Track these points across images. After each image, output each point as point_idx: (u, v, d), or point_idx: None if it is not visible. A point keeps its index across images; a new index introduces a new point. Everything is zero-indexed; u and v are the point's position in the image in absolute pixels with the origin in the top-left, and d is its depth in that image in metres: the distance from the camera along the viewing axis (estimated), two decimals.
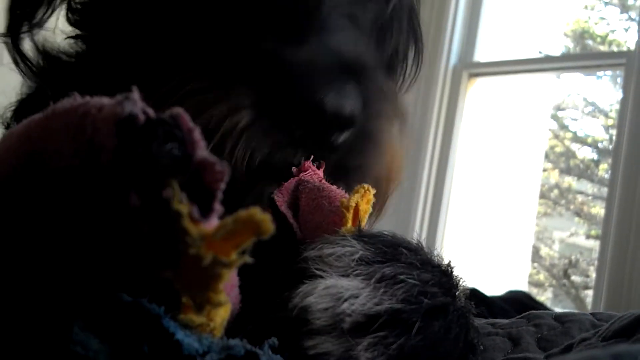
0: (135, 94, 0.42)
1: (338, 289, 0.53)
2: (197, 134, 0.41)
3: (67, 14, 0.87)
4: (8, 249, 0.44)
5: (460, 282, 0.61)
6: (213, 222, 0.40)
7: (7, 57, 0.89)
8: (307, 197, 0.65)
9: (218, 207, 0.40)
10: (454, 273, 0.61)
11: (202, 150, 0.41)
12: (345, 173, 0.71)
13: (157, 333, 0.42)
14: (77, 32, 0.87)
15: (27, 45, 0.89)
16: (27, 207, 0.45)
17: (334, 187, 0.66)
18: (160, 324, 0.42)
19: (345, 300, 0.52)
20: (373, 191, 0.64)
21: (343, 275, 0.55)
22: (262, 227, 0.38)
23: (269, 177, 0.66)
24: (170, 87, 0.65)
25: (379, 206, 0.78)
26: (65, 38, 0.88)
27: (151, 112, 0.42)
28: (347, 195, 0.65)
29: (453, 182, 3.46)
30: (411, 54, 1.01)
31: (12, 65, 0.89)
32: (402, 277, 0.56)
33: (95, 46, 0.83)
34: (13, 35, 0.88)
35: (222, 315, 0.46)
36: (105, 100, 0.44)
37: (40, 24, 0.88)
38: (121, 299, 0.42)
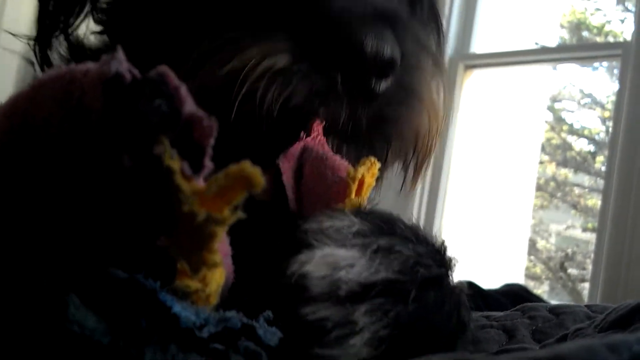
0: (120, 54, 0.42)
1: (335, 258, 0.53)
2: (184, 90, 0.41)
3: (93, 13, 0.88)
4: (2, 224, 0.44)
5: (453, 261, 0.61)
6: (204, 179, 0.40)
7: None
8: (311, 166, 0.64)
9: (209, 163, 0.40)
10: (447, 252, 0.61)
11: (190, 106, 0.40)
12: (384, 124, 0.70)
13: (154, 308, 0.42)
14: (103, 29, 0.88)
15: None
16: (20, 180, 0.44)
17: (337, 157, 0.65)
18: (156, 299, 0.42)
19: (342, 269, 0.52)
20: (378, 165, 0.64)
21: (340, 246, 0.54)
22: (253, 181, 0.38)
23: (301, 125, 0.66)
24: (208, 42, 0.65)
25: (419, 163, 0.79)
26: (92, 33, 0.89)
27: (137, 72, 0.42)
28: (349, 166, 0.64)
29: (449, 174, 3.46)
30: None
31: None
32: (397, 248, 0.56)
33: (121, 34, 0.83)
34: (42, 45, 0.90)
35: (217, 280, 0.46)
36: (90, 65, 0.44)
37: (70, 27, 0.89)
38: (116, 275, 0.42)
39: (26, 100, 0.46)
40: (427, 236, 0.61)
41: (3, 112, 0.47)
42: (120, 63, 0.42)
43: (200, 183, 0.39)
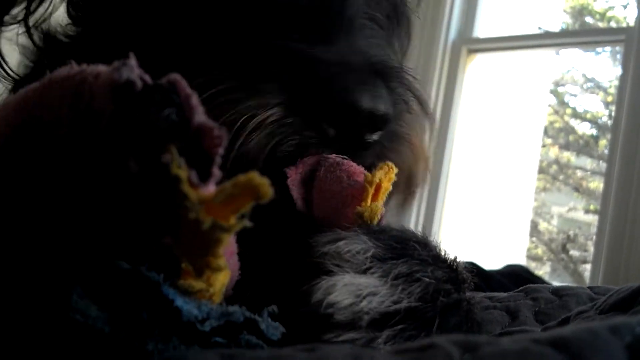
0: (132, 61, 0.42)
1: (357, 287, 0.54)
2: (195, 99, 0.41)
3: (68, 8, 0.86)
4: (7, 217, 0.44)
5: (467, 278, 0.62)
6: (212, 187, 0.40)
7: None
8: (326, 170, 0.65)
9: (217, 172, 0.40)
10: (459, 268, 0.62)
11: (200, 115, 0.40)
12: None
13: (156, 300, 0.42)
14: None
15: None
16: (25, 176, 0.45)
17: (354, 163, 0.66)
18: (159, 291, 0.42)
19: (365, 297, 0.53)
20: (395, 170, 0.64)
21: (359, 272, 0.55)
22: (260, 191, 0.38)
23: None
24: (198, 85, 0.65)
25: (404, 202, 0.79)
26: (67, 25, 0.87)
27: (148, 78, 0.42)
28: (366, 171, 0.65)
29: (452, 157, 3.46)
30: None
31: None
32: (417, 275, 0.57)
33: (97, 33, 0.81)
34: None
35: (221, 280, 0.46)
36: (101, 68, 0.44)
37: (31, 15, 0.86)
38: (120, 266, 0.42)
39: (36, 97, 0.46)
40: (440, 253, 0.62)
41: (12, 105, 0.47)
42: (132, 70, 0.42)
43: (209, 190, 0.39)
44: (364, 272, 0.55)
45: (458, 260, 0.62)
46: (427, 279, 0.57)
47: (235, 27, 0.69)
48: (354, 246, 0.57)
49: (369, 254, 0.57)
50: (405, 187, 0.76)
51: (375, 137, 0.68)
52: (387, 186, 0.64)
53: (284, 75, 0.65)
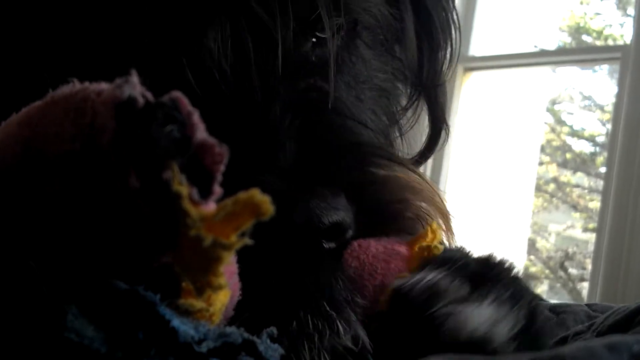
0: (134, 78, 0.42)
1: (484, 316, 0.56)
2: (197, 117, 0.41)
3: None
4: (6, 234, 0.44)
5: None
6: (213, 205, 0.40)
7: None
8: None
9: (218, 189, 0.40)
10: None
11: (202, 132, 0.40)
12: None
13: (152, 320, 0.42)
14: None
15: None
16: (27, 193, 0.45)
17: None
18: (155, 311, 0.42)
19: (497, 323, 0.56)
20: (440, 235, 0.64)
21: (468, 302, 0.57)
22: (261, 208, 0.38)
23: None
24: None
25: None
26: None
27: (150, 95, 0.42)
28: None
29: (449, 176, 3.46)
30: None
31: None
32: (518, 295, 0.58)
33: None
34: None
35: (221, 300, 0.46)
36: (104, 85, 0.44)
37: None
38: (116, 286, 0.42)
39: (39, 114, 0.46)
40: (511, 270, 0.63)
41: (15, 122, 0.47)
42: (134, 87, 0.42)
43: (209, 207, 0.39)
44: (473, 301, 0.56)
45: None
46: (527, 297, 0.59)
47: None
48: (446, 280, 0.57)
49: (465, 283, 0.58)
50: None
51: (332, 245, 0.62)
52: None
53: None
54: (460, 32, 0.99)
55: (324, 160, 0.66)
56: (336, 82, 0.76)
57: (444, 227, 0.73)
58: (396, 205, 0.67)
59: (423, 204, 0.69)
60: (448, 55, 1.00)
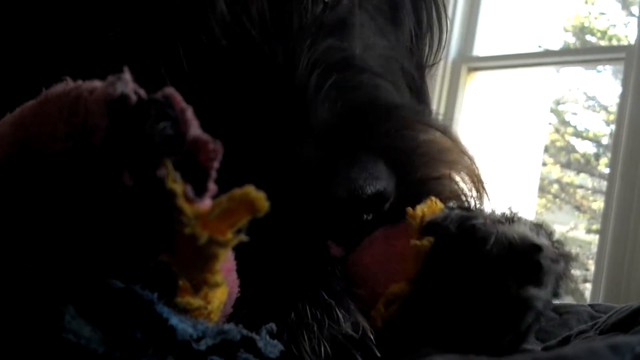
0: (127, 75, 0.42)
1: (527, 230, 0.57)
2: (190, 113, 0.41)
3: None
4: (1, 235, 0.44)
5: None
6: (208, 202, 0.39)
7: None
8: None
9: (212, 186, 0.40)
10: None
11: (195, 129, 0.40)
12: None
13: (150, 319, 0.41)
14: None
15: None
16: (21, 193, 0.44)
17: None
18: (153, 310, 0.42)
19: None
20: (440, 205, 0.61)
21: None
22: (256, 205, 0.38)
23: None
24: None
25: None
26: None
27: (143, 92, 0.42)
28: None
29: None
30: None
31: None
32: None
33: None
34: None
35: (219, 297, 0.46)
36: (97, 83, 0.44)
37: None
38: (113, 285, 0.42)
39: (32, 113, 0.46)
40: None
41: (9, 122, 0.47)
42: (126, 84, 0.41)
43: (204, 204, 0.39)
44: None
45: None
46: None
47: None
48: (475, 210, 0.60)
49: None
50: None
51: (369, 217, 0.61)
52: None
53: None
54: (447, 21, 0.98)
55: (359, 123, 0.63)
56: (356, 42, 0.75)
57: (477, 194, 0.74)
58: (434, 183, 0.66)
59: (460, 181, 0.69)
60: (436, 42, 1.00)
